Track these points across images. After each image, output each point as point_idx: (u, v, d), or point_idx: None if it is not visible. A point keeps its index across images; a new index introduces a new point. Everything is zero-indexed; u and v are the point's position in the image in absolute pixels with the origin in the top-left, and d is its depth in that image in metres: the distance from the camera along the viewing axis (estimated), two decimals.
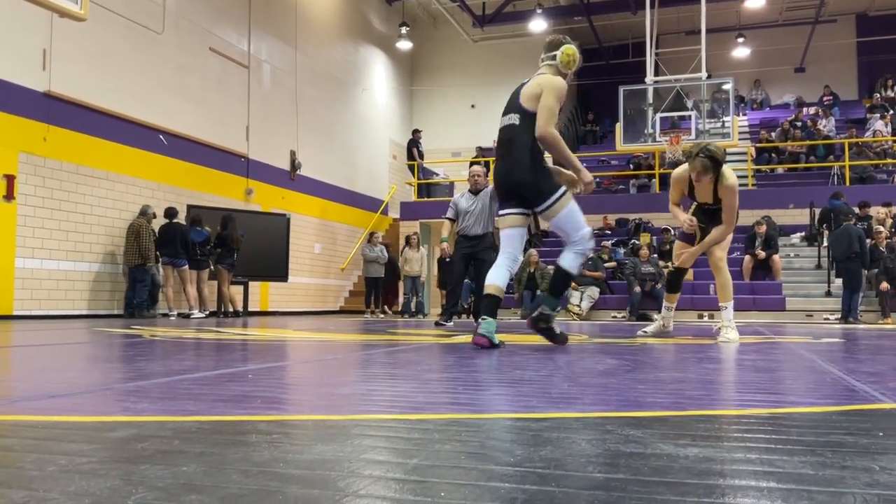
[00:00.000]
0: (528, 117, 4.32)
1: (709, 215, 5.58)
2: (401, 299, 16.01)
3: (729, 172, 5.26)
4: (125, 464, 1.20)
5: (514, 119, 4.40)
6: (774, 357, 3.88)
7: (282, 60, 15.91)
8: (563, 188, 4.33)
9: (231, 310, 12.60)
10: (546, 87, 4.37)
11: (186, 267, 11.72)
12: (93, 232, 11.17)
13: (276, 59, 15.73)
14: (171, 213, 11.66)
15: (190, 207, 12.45)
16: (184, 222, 12.01)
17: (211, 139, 13.57)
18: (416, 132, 19.15)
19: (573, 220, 4.33)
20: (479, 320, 4.30)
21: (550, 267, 14.08)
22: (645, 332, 6.15)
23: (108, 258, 11.43)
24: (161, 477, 1.10)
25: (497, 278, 4.43)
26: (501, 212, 4.60)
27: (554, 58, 4.55)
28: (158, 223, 11.64)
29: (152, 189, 12.20)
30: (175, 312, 11.59)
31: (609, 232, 16.34)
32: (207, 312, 12.07)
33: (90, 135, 11.12)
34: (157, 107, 12.34)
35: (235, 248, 12.46)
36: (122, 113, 11.64)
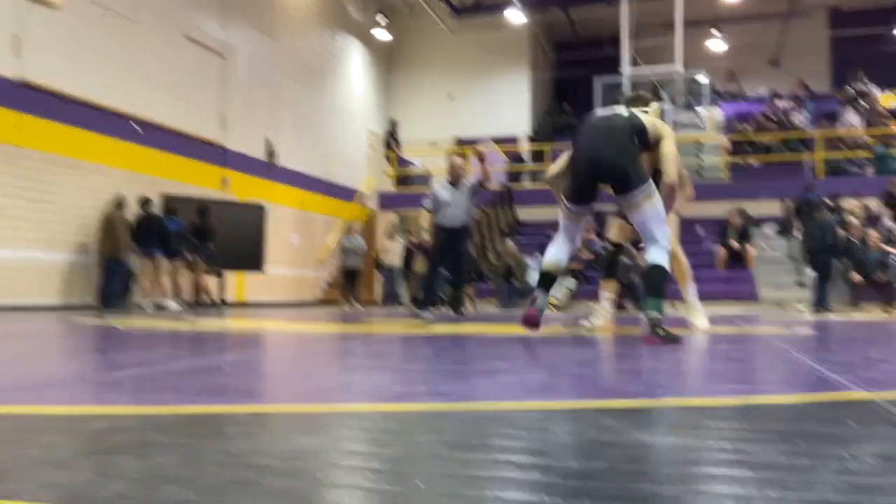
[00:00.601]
0: (638, 123, 4.31)
1: None
2: (379, 290, 15.99)
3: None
4: (100, 455, 1.19)
5: (623, 112, 4.39)
6: (747, 347, 3.92)
7: (258, 49, 15.77)
8: (652, 183, 4.26)
9: (207, 301, 12.50)
10: (667, 135, 4.41)
11: (161, 257, 11.61)
12: (66, 221, 11.02)
13: (252, 48, 15.58)
14: (145, 202, 11.53)
15: (165, 197, 12.32)
16: (158, 212, 11.89)
17: (186, 128, 13.42)
18: (393, 122, 19.08)
19: (659, 216, 4.25)
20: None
21: (528, 257, 14.16)
22: (589, 322, 5.68)
23: (82, 248, 11.28)
24: (136, 469, 1.09)
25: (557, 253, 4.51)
26: (573, 206, 4.50)
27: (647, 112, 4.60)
28: (133, 213, 11.50)
29: (126, 178, 12.05)
30: (150, 303, 11.48)
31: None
32: (183, 303, 11.98)
33: (64, 123, 10.95)
34: (132, 95, 12.17)
35: (212, 239, 12.35)
36: (97, 101, 11.48)
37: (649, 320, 3.97)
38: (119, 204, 11.32)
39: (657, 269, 4.17)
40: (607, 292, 5.68)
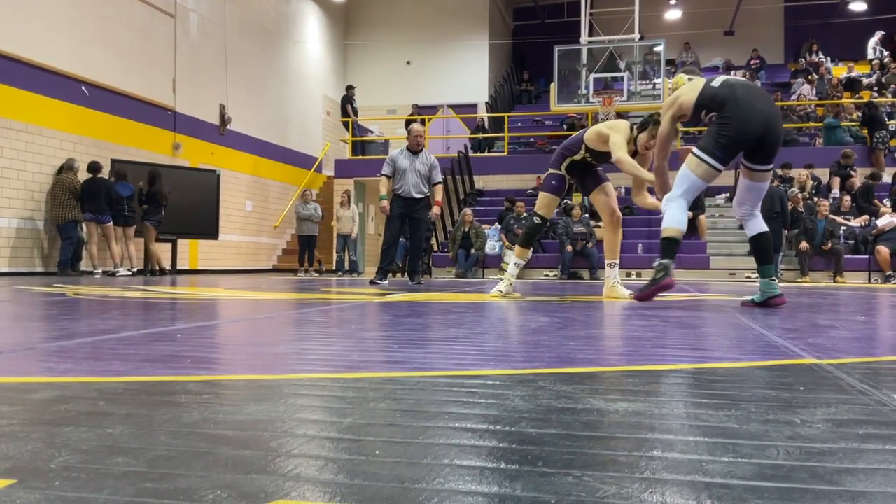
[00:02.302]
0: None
1: (587, 170, 5.78)
2: (334, 257, 15.93)
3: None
4: (48, 426, 1.16)
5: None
6: (699, 314, 4.00)
7: (210, 9, 15.38)
8: None
9: (158, 268, 12.30)
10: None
11: (111, 223, 11.36)
12: (12, 186, 10.70)
13: (203, 8, 15.18)
14: (94, 167, 11.24)
15: (114, 162, 12.03)
16: (107, 177, 11.61)
17: (135, 91, 13.08)
18: (349, 88, 18.85)
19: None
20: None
21: (486, 226, 14.21)
22: (500, 291, 5.73)
23: (28, 214, 10.99)
24: (86, 439, 1.07)
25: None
26: (755, 165, 4.39)
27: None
28: (81, 177, 11.21)
29: (74, 142, 11.73)
30: (100, 270, 11.25)
31: None
32: (134, 270, 11.77)
33: (8, 85, 10.59)
34: (79, 56, 11.80)
35: (163, 205, 12.12)
36: (42, 62, 11.10)
37: (764, 290, 4.39)
38: (64, 168, 11.02)
39: (767, 237, 4.50)
40: (521, 260, 5.86)
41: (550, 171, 5.80)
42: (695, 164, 4.26)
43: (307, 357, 2.09)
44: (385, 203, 8.33)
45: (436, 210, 8.58)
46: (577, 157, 5.68)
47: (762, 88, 4.68)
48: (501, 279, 5.94)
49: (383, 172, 8.42)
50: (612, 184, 5.98)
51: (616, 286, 5.76)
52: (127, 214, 11.61)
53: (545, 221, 5.89)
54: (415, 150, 8.43)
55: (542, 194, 5.82)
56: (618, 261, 5.92)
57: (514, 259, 5.89)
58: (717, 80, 4.47)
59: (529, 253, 6.04)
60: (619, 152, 5.33)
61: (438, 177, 8.50)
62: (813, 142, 17.19)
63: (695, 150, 4.28)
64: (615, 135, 5.40)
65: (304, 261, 15.12)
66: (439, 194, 8.58)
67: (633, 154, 5.50)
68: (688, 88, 4.51)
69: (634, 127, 5.53)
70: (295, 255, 15.96)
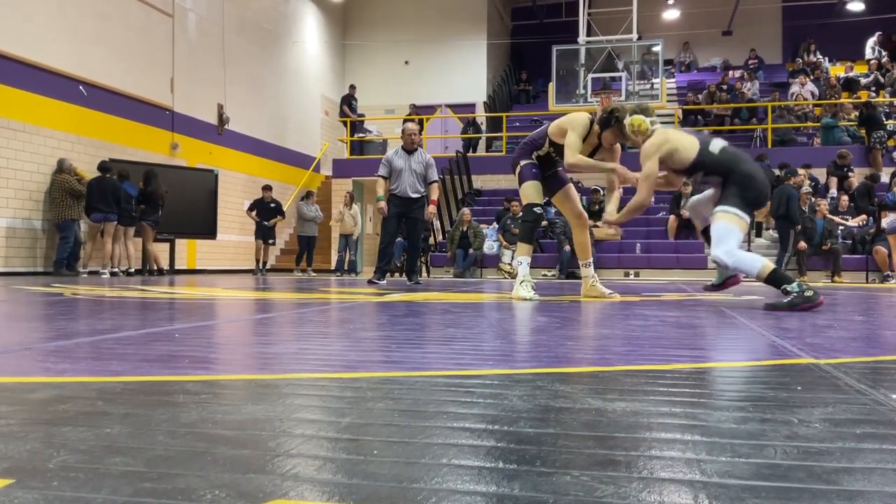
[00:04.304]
0: None
1: (549, 167, 5.65)
2: (334, 257, 15.90)
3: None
4: (46, 426, 1.16)
5: None
6: (697, 314, 4.00)
7: (208, 9, 15.36)
8: None
9: (156, 268, 12.28)
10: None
11: (116, 223, 11.34)
12: (9, 186, 10.69)
13: (201, 8, 15.16)
14: (104, 167, 11.22)
15: (113, 162, 12.02)
16: (115, 177, 11.58)
17: (133, 91, 13.07)
18: (351, 87, 18.85)
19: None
20: None
21: (484, 225, 14.21)
22: (532, 293, 5.40)
23: (26, 213, 10.98)
24: (84, 439, 1.07)
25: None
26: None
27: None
28: (88, 177, 11.19)
29: (72, 142, 11.71)
30: (102, 270, 11.22)
31: None
32: (132, 270, 11.75)
33: (6, 84, 10.57)
34: (77, 56, 11.79)
35: (160, 205, 12.11)
36: (40, 62, 11.09)
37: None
38: (64, 169, 11.00)
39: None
40: (528, 257, 5.56)
41: (523, 162, 5.54)
42: (736, 220, 4.46)
43: (305, 357, 2.09)
44: (382, 204, 8.32)
45: (431, 209, 8.54)
46: (542, 151, 5.50)
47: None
48: (521, 283, 5.42)
49: (379, 174, 8.41)
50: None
51: (595, 285, 5.71)
52: (133, 215, 11.63)
53: (542, 208, 5.65)
54: (409, 149, 8.41)
55: (526, 184, 5.50)
56: (591, 260, 5.79)
57: (521, 258, 5.53)
58: (716, 147, 4.61)
59: (531, 248, 5.71)
60: (572, 157, 5.17)
61: (434, 175, 8.48)
62: (811, 142, 17.20)
63: (729, 209, 4.46)
64: (571, 134, 5.20)
65: (303, 260, 15.10)
66: (435, 193, 8.55)
67: (597, 147, 5.36)
68: (686, 143, 4.66)
69: (593, 122, 5.30)
70: (292, 255, 15.94)
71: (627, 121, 4.93)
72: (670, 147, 4.65)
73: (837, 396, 1.47)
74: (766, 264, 4.36)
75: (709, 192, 4.85)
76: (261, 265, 14.78)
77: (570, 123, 5.29)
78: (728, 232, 4.42)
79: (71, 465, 0.93)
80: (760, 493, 0.84)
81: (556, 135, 5.42)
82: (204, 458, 0.97)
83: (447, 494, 0.84)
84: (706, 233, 4.82)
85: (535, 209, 5.51)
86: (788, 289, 4.16)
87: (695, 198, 5.10)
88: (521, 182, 5.58)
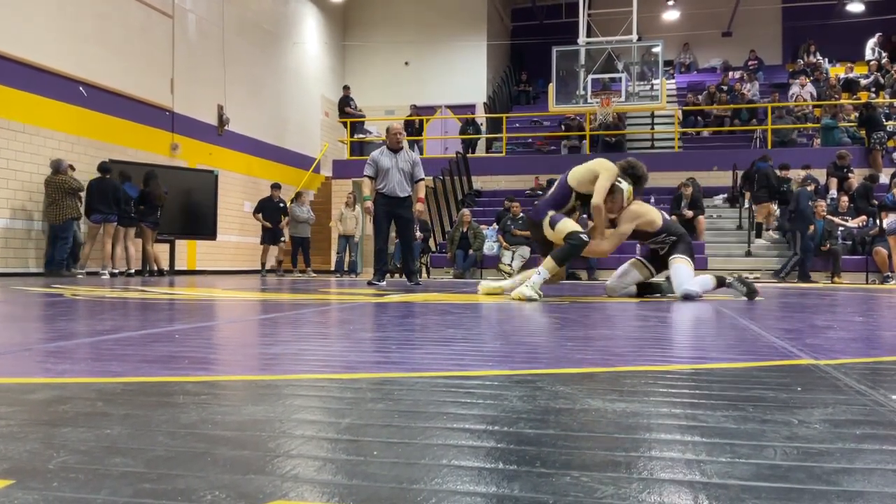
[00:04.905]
0: None
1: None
2: (333, 258, 15.89)
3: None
4: (46, 427, 1.16)
5: None
6: (697, 314, 4.00)
7: (208, 10, 15.36)
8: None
9: (155, 269, 12.28)
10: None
11: (116, 223, 11.34)
12: (9, 187, 10.69)
13: (201, 9, 15.17)
14: (104, 168, 11.22)
15: (113, 163, 12.02)
16: (115, 178, 11.58)
17: (133, 91, 13.07)
18: (345, 88, 18.85)
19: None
20: None
21: (484, 226, 14.20)
22: (536, 293, 5.32)
23: (25, 214, 10.98)
24: (84, 440, 1.07)
25: None
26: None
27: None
28: (81, 177, 11.18)
29: (72, 143, 11.71)
30: (108, 271, 11.21)
31: (540, 192, 16.48)
32: (133, 271, 11.75)
33: (5, 85, 10.58)
34: (76, 57, 11.79)
35: (160, 205, 12.11)
36: (40, 63, 11.09)
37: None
38: (57, 170, 10.98)
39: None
40: (550, 274, 5.50)
41: (550, 213, 5.55)
42: (688, 262, 5.73)
43: (305, 358, 2.09)
44: (369, 204, 8.31)
45: (419, 207, 8.51)
46: (566, 208, 5.59)
47: None
48: (529, 283, 5.31)
49: (366, 173, 8.41)
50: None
51: (507, 285, 5.93)
52: (133, 216, 11.63)
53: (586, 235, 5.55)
54: (395, 148, 8.40)
55: (562, 222, 5.44)
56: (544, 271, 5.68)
57: (544, 270, 5.40)
58: (667, 217, 6.06)
59: (559, 271, 5.60)
60: (601, 200, 5.50)
61: (421, 173, 8.45)
62: (811, 142, 17.20)
63: (681, 255, 5.74)
64: (604, 177, 5.48)
65: (298, 262, 15.10)
66: (422, 191, 8.51)
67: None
68: (654, 213, 5.88)
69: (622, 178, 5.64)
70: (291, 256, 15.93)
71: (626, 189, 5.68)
72: (649, 218, 5.75)
73: (837, 397, 1.47)
74: (713, 276, 5.87)
75: (623, 267, 6.15)
76: (275, 265, 15.06)
77: (603, 167, 5.53)
78: (688, 271, 5.66)
79: (71, 466, 0.93)
80: (760, 494, 0.84)
81: (586, 182, 5.52)
82: (204, 459, 0.97)
83: (447, 495, 0.84)
84: (642, 287, 6.06)
85: (581, 235, 5.46)
86: (728, 280, 5.72)
87: (612, 278, 6.23)
88: (552, 225, 5.52)
